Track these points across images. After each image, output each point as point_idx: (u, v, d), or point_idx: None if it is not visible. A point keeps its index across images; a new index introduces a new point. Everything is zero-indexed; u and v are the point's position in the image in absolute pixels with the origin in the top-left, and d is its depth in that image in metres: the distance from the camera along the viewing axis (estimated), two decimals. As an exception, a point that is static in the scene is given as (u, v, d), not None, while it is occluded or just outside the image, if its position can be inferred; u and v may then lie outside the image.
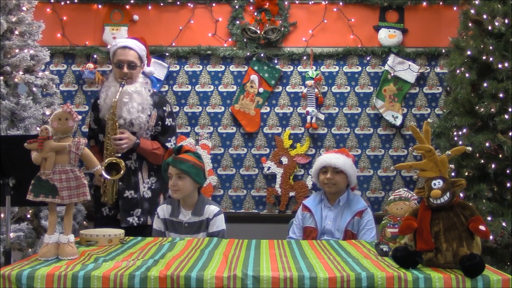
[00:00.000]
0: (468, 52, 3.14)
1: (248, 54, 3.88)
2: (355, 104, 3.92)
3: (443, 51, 3.84)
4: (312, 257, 1.93)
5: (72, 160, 1.88)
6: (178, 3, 3.96)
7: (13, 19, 3.17)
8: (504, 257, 2.93)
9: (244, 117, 3.90)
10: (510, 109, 2.95)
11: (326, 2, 3.94)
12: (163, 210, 2.70)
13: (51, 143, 1.86)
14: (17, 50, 3.16)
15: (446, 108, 3.33)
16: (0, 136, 2.85)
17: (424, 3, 3.91)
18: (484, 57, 3.05)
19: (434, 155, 1.84)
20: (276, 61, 3.93)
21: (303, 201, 3.06)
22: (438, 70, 3.90)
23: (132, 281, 1.64)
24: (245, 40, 3.89)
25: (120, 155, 2.93)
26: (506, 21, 3.00)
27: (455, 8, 3.85)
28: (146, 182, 3.06)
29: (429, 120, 2.22)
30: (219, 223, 2.62)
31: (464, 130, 3.09)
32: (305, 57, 3.93)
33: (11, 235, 2.86)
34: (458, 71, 3.24)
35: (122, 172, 2.87)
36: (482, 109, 3.02)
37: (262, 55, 3.89)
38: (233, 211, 3.89)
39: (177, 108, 3.91)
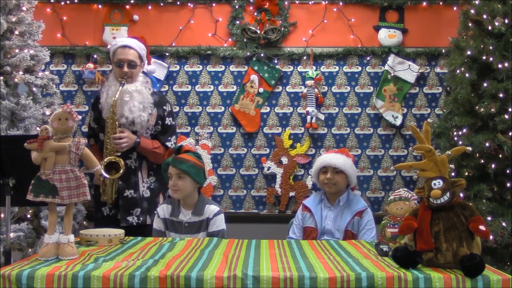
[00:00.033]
0: (468, 52, 3.14)
1: (248, 54, 3.88)
2: (355, 104, 3.92)
3: (443, 51, 3.84)
4: (312, 257, 1.93)
5: (72, 160, 1.88)
6: (178, 3, 3.96)
7: (13, 19, 3.17)
8: (504, 257, 2.93)
9: (244, 117, 3.90)
10: (510, 109, 2.95)
11: (326, 2, 3.94)
12: (163, 210, 2.70)
13: (51, 143, 1.86)
14: (17, 50, 3.16)
15: (446, 108, 3.33)
16: (0, 136, 2.85)
17: (424, 3, 3.92)
18: (484, 57, 3.05)
19: (434, 155, 1.84)
20: (276, 61, 3.93)
21: (303, 201, 3.06)
22: (438, 70, 3.90)
23: (132, 281, 1.64)
24: (245, 40, 3.89)
25: (119, 154, 2.93)
26: (506, 21, 3.00)
27: (455, 8, 3.85)
28: (146, 181, 3.06)
29: (429, 120, 2.22)
30: (219, 223, 2.62)
31: (464, 130, 3.09)
32: (305, 57, 3.93)
33: (11, 235, 2.86)
34: (458, 71, 3.24)
35: (121, 171, 2.87)
36: (482, 109, 3.02)
37: (262, 55, 3.89)
38: (233, 211, 3.89)
39: (177, 108, 3.91)
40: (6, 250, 2.29)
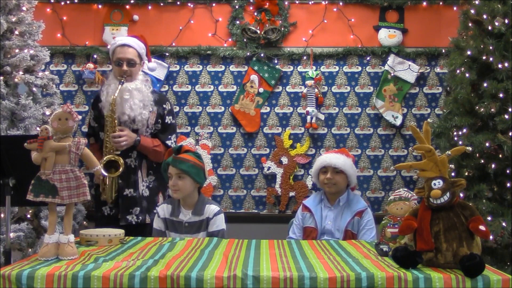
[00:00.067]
0: (468, 52, 3.14)
1: (248, 54, 3.88)
2: (355, 104, 3.92)
3: (443, 51, 3.84)
4: (312, 257, 1.93)
5: (72, 160, 1.88)
6: (178, 3, 3.96)
7: (13, 19, 3.17)
8: (504, 257, 2.93)
9: (244, 117, 3.90)
10: (510, 109, 2.95)
11: (326, 2, 3.94)
12: (163, 209, 2.70)
13: (51, 143, 1.86)
14: (17, 50, 3.16)
15: (446, 108, 3.33)
16: (0, 136, 2.85)
17: (424, 3, 3.92)
18: (484, 57, 3.05)
19: (434, 155, 1.84)
20: (276, 61, 3.93)
21: (303, 201, 3.06)
22: (438, 70, 3.90)
23: (132, 281, 1.63)
24: (245, 40, 3.89)
25: (119, 152, 2.93)
26: (506, 21, 3.00)
27: (455, 8, 3.85)
28: (145, 180, 3.07)
29: (429, 120, 2.21)
30: (219, 223, 2.62)
31: (464, 130, 3.09)
32: (305, 57, 3.93)
33: (11, 235, 2.86)
34: (458, 71, 3.24)
35: (120, 169, 2.87)
36: (482, 109, 3.02)
37: (262, 55, 3.89)
38: (233, 211, 3.89)
39: (177, 108, 3.91)
40: (6, 250, 2.29)
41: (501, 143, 2.92)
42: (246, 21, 3.91)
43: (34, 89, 3.22)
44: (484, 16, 3.08)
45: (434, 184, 1.79)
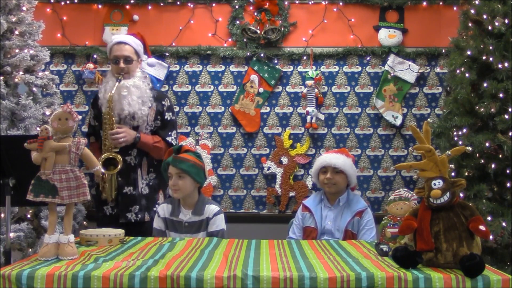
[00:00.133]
0: (468, 52, 3.14)
1: (248, 54, 3.88)
2: (355, 104, 3.92)
3: (443, 51, 3.84)
4: (312, 257, 1.93)
5: (72, 160, 1.88)
6: (178, 3, 3.96)
7: (13, 19, 3.17)
8: (504, 257, 2.93)
9: (244, 117, 3.90)
10: (510, 109, 2.95)
11: (326, 2, 3.94)
12: (164, 209, 2.70)
13: (51, 143, 1.86)
14: (17, 50, 3.17)
15: (446, 108, 3.33)
16: (0, 136, 2.85)
17: (424, 3, 3.92)
18: (484, 57, 3.05)
19: (434, 155, 1.84)
20: (276, 61, 3.93)
21: (303, 201, 3.06)
22: (438, 70, 3.90)
23: (132, 281, 1.63)
24: (245, 40, 3.89)
25: (118, 150, 2.93)
26: (506, 21, 3.00)
27: (455, 8, 3.85)
28: (145, 178, 3.06)
29: (429, 120, 2.21)
30: (219, 223, 2.62)
31: (464, 130, 3.09)
32: (305, 57, 3.93)
33: (11, 235, 2.86)
34: (458, 71, 3.24)
35: (119, 166, 2.87)
36: (482, 109, 3.02)
37: (262, 55, 3.89)
38: (233, 211, 3.90)
39: (177, 108, 3.91)
40: (6, 250, 2.29)
41: (501, 143, 2.92)
42: (246, 21, 3.91)
43: (34, 89, 3.23)
44: (484, 16, 3.08)
45: (434, 184, 1.79)
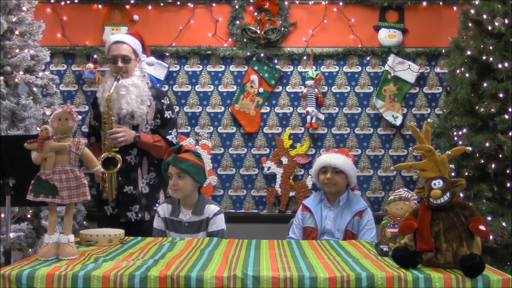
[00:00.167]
0: (468, 52, 3.14)
1: (248, 54, 3.88)
2: (355, 104, 3.92)
3: (443, 51, 3.84)
4: (312, 257, 1.93)
5: (72, 160, 1.88)
6: (178, 3, 3.96)
7: (14, 19, 3.18)
8: (504, 257, 2.93)
9: (244, 117, 3.90)
10: (510, 109, 2.95)
11: (326, 2, 3.94)
12: (164, 209, 2.70)
13: (51, 143, 1.86)
14: (17, 50, 3.17)
15: (446, 108, 3.33)
16: (0, 136, 2.85)
17: (424, 3, 3.92)
18: (484, 57, 3.05)
19: (434, 155, 1.84)
20: (276, 61, 3.93)
21: (303, 201, 3.06)
22: (438, 70, 3.90)
23: (132, 281, 1.64)
24: (245, 40, 3.89)
25: (117, 149, 2.93)
26: (506, 21, 3.00)
27: (455, 8, 3.85)
28: (145, 177, 3.06)
29: (429, 120, 2.21)
30: (219, 223, 2.62)
31: (464, 130, 3.09)
32: (305, 57, 3.93)
33: (11, 235, 2.86)
34: (458, 71, 3.24)
35: (119, 165, 2.88)
36: (482, 109, 3.02)
37: (262, 55, 3.89)
38: (233, 211, 3.90)
39: (177, 108, 3.90)
40: (6, 250, 2.29)
41: (501, 143, 2.92)
42: (246, 21, 3.91)
43: (34, 89, 3.23)
44: (484, 16, 3.08)
45: (434, 184, 1.79)
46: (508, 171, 2.96)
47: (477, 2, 3.18)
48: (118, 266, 1.73)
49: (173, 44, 3.93)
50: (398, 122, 3.84)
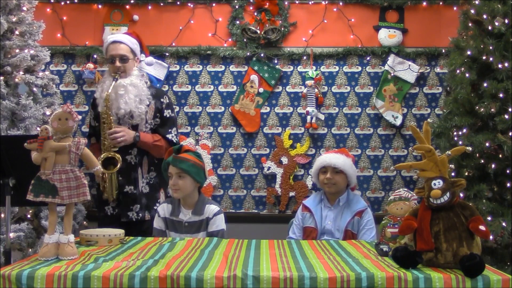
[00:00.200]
0: (468, 52, 3.14)
1: (248, 54, 3.88)
2: (355, 104, 3.92)
3: (443, 51, 3.84)
4: (312, 257, 1.93)
5: (72, 160, 1.88)
6: (178, 3, 3.96)
7: (14, 19, 3.18)
8: (504, 257, 2.93)
9: (244, 117, 3.90)
10: (510, 109, 2.95)
11: (326, 2, 3.94)
12: (164, 209, 2.70)
13: (51, 143, 1.86)
14: (17, 50, 3.17)
15: (446, 108, 3.33)
16: (0, 136, 2.85)
17: (424, 3, 3.92)
18: (484, 57, 3.05)
19: (434, 155, 1.84)
20: (276, 61, 3.93)
21: (303, 201, 3.06)
22: (438, 70, 3.90)
23: (132, 281, 1.64)
24: (245, 40, 3.89)
25: (117, 149, 2.93)
26: (506, 21, 3.00)
27: (455, 8, 3.85)
28: (145, 177, 3.06)
29: (429, 120, 2.21)
30: (219, 223, 2.62)
31: (464, 130, 3.10)
32: (305, 57, 3.93)
33: (11, 235, 2.86)
34: (458, 71, 3.24)
35: (118, 165, 2.88)
36: (482, 109, 3.02)
37: (262, 55, 3.89)
38: (233, 211, 3.90)
39: (177, 108, 3.90)
40: (6, 250, 2.29)
41: (501, 143, 2.92)
42: (246, 21, 3.91)
43: (34, 89, 3.23)
44: (484, 16, 3.08)
45: (434, 184, 1.79)
46: (508, 171, 2.96)
47: (477, 2, 3.18)
48: (118, 266, 1.73)
49: (173, 44, 3.93)
50: (398, 122, 3.84)
